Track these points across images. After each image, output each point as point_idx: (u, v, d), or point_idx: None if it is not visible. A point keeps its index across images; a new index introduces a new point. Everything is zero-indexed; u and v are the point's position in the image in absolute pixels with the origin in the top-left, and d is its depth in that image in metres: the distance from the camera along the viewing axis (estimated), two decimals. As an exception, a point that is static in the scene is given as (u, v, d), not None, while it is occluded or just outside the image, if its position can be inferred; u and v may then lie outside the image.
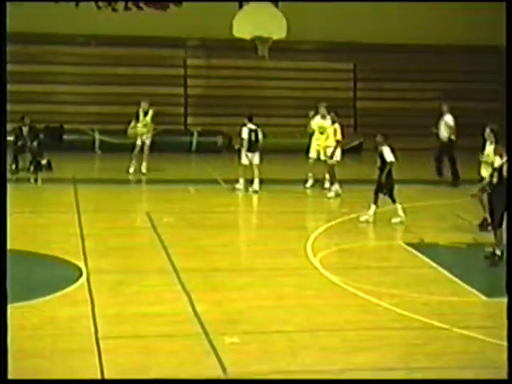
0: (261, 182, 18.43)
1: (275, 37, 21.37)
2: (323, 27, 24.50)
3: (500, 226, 12.78)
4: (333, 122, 18.75)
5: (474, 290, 11.85)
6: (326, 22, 24.44)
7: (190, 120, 25.00)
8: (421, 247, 14.07)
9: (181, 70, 25.27)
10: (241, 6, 21.86)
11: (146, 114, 20.46)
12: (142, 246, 13.94)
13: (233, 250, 13.86)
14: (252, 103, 19.93)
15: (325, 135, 18.75)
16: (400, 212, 15.70)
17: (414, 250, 13.94)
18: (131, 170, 20.18)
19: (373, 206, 15.68)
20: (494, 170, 12.94)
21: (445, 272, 12.72)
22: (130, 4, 23.84)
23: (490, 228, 13.95)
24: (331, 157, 18.38)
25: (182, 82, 25.24)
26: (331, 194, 18.16)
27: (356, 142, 23.75)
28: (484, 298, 11.58)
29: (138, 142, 20.18)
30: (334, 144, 18.49)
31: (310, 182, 19.14)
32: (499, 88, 25.21)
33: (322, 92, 25.14)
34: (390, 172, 15.68)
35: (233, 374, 8.82)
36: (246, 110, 19.34)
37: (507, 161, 12.58)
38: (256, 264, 13.49)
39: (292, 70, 25.38)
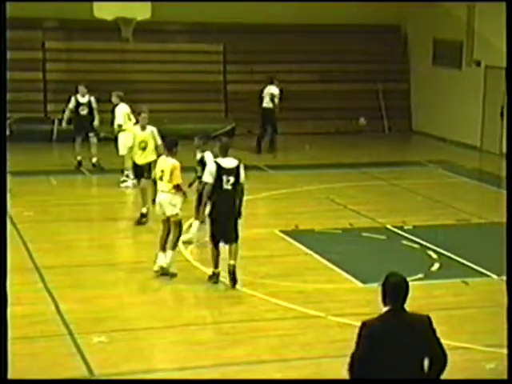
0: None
1: (139, 18, 21.15)
2: (191, 7, 24.39)
3: None
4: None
5: (349, 277, 12.16)
6: (193, 1, 24.39)
7: (50, 107, 24.52)
8: (296, 234, 14.30)
9: (39, 54, 24.74)
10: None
11: None
12: None
13: (99, 244, 13.69)
14: (117, 88, 19.62)
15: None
16: (193, 229, 13.54)
17: (288, 238, 14.15)
18: None
19: (196, 223, 13.49)
20: None
21: (320, 259, 12.98)
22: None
23: None
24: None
25: (40, 66, 24.72)
26: (126, 184, 17.57)
27: (228, 127, 23.86)
28: (360, 284, 11.88)
29: None
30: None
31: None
32: (376, 68, 26.01)
33: (191, 75, 25.12)
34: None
35: (100, 375, 8.75)
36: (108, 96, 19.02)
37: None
38: (124, 258, 13.41)
39: (159, 52, 25.20)
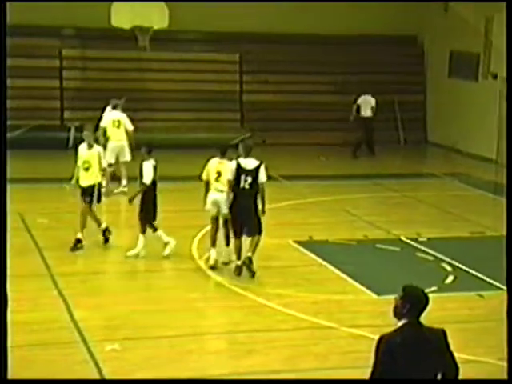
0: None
1: (156, 26, 21.27)
2: (207, 16, 24.51)
3: None
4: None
5: (363, 288, 12.15)
6: (210, 10, 24.47)
7: (66, 114, 24.65)
8: (310, 245, 14.32)
9: (56, 62, 24.89)
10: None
11: None
12: (15, 249, 13.59)
13: (113, 252, 13.74)
14: (133, 96, 19.73)
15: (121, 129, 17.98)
16: (165, 239, 13.40)
17: (302, 249, 14.17)
18: None
19: (141, 237, 13.37)
20: None
21: (334, 270, 12.99)
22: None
23: None
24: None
25: (57, 74, 24.87)
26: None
27: (243, 137, 23.91)
28: (374, 295, 11.88)
29: None
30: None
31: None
32: (392, 79, 25.99)
33: (207, 84, 25.20)
34: (151, 193, 13.28)
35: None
36: (127, 104, 19.20)
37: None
38: (138, 266, 13.44)
39: (175, 61, 25.30)
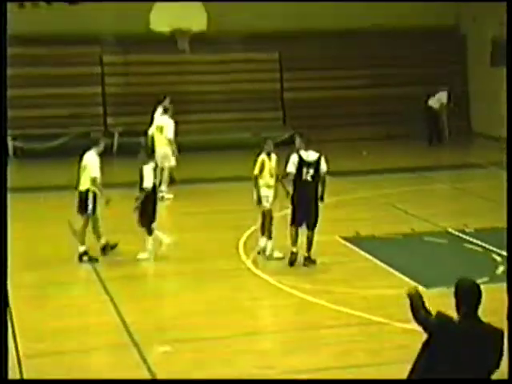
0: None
1: (195, 29, 21.31)
2: (244, 17, 24.53)
3: None
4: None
5: (412, 282, 12.01)
6: (246, 10, 24.48)
7: (109, 120, 24.83)
8: (357, 240, 14.24)
9: (97, 68, 25.08)
10: (156, -1, 21.72)
11: None
12: (62, 256, 13.66)
13: (159, 254, 13.74)
14: (175, 99, 19.77)
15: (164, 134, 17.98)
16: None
17: (350, 244, 14.09)
18: None
19: (149, 239, 13.28)
20: None
21: (382, 265, 12.89)
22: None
23: None
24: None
25: (99, 80, 25.05)
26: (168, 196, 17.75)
27: (286, 135, 23.85)
28: (423, 288, 11.73)
29: None
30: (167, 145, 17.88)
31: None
32: (434, 71, 25.76)
33: (248, 84, 25.23)
34: (152, 197, 13.27)
35: (166, 384, 8.81)
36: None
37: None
38: (185, 268, 13.45)
39: (215, 63, 25.37)
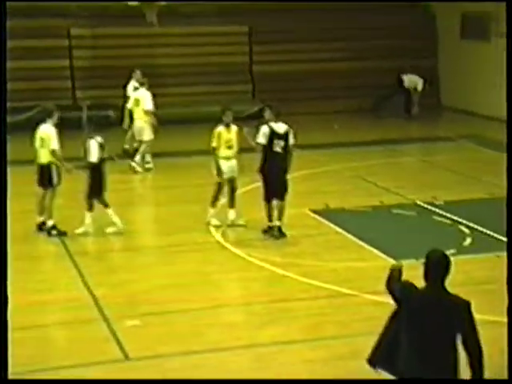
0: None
1: (163, 1, 21.14)
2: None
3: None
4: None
5: (381, 254, 12.10)
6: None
7: (78, 94, 24.60)
8: (326, 213, 14.27)
9: (65, 41, 24.80)
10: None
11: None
12: (30, 230, 13.54)
13: (129, 228, 13.68)
14: (144, 72, 19.62)
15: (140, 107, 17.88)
16: (115, 219, 13.25)
17: (319, 217, 14.12)
18: None
19: (88, 214, 13.20)
20: None
21: (351, 237, 12.94)
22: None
23: None
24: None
25: (66, 53, 24.79)
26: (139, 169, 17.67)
27: (256, 109, 23.78)
28: (392, 261, 11.79)
29: None
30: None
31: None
32: (403, 44, 25.75)
33: (217, 57, 25.07)
34: (99, 171, 13.13)
35: (136, 358, 8.80)
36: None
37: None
38: (155, 242, 13.45)
39: (184, 35, 25.16)
